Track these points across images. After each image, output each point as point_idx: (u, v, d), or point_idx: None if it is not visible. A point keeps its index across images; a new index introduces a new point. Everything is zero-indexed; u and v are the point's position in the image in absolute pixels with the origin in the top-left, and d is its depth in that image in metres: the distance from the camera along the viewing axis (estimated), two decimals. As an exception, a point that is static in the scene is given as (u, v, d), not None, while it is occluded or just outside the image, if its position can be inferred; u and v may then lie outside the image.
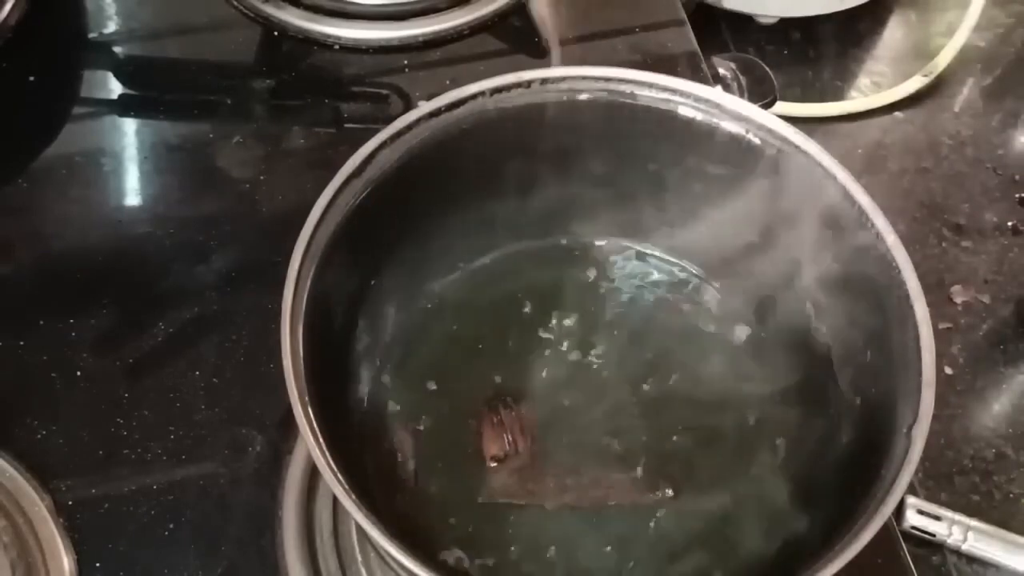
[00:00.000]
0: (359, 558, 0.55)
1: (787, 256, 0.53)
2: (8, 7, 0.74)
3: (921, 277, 0.47)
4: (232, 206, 0.68)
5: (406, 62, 0.77)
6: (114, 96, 0.75)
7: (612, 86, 0.54)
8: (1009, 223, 0.75)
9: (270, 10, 0.78)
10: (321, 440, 0.43)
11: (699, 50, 0.75)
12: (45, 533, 0.54)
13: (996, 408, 0.66)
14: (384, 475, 0.53)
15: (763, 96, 0.67)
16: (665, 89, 0.54)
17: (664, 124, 0.54)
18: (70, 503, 0.55)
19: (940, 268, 0.72)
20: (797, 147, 0.52)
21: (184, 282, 0.64)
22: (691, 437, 0.53)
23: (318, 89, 0.76)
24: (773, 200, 0.53)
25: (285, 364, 0.44)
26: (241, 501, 0.56)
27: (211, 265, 0.65)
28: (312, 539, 0.55)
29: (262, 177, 0.70)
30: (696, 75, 0.73)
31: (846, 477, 0.48)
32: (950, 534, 0.50)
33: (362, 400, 0.54)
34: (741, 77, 0.69)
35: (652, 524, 0.51)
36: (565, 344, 0.57)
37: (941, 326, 0.69)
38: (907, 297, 0.47)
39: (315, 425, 0.43)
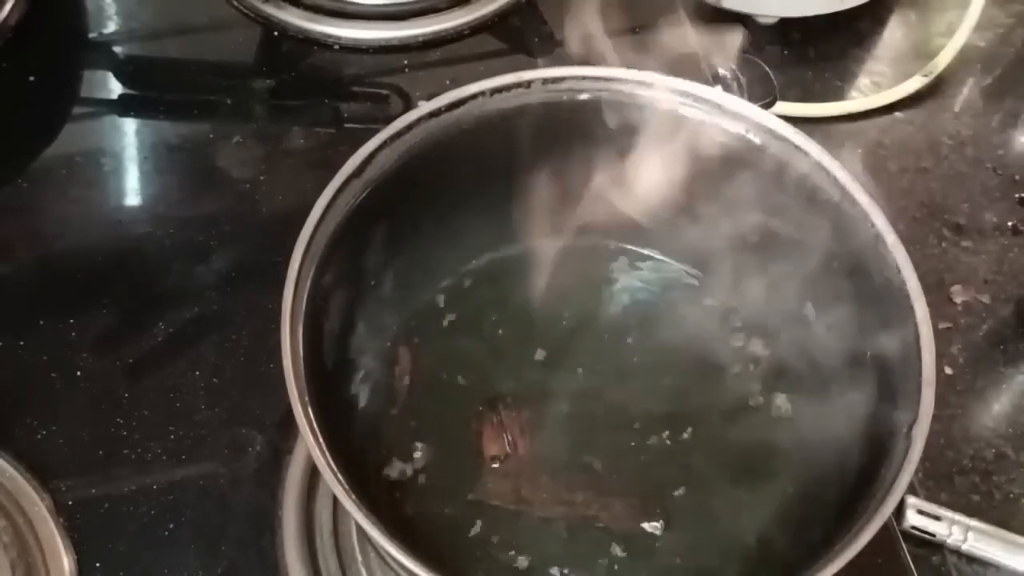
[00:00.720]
0: (359, 558, 0.55)
1: (787, 256, 0.53)
2: (8, 7, 0.74)
3: (921, 277, 0.47)
4: (232, 206, 0.68)
5: (406, 62, 0.77)
6: (114, 96, 0.75)
7: (612, 86, 0.54)
8: (1009, 223, 0.75)
9: (270, 10, 0.78)
10: (321, 440, 0.43)
11: (699, 50, 0.75)
12: (45, 533, 0.54)
13: (996, 408, 0.66)
14: (384, 475, 0.53)
15: (763, 96, 0.67)
16: (665, 89, 0.54)
17: (664, 124, 0.54)
18: (70, 503, 0.55)
19: (940, 268, 0.72)
20: (797, 147, 0.52)
21: (184, 282, 0.64)
22: (691, 457, 0.53)
23: (318, 89, 0.76)
24: (773, 200, 0.53)
25: (285, 364, 0.44)
26: (241, 501, 0.56)
27: (211, 265, 0.65)
28: (312, 539, 0.55)
29: (262, 177, 0.70)
30: (696, 75, 0.73)
31: (846, 478, 0.48)
32: (950, 534, 0.50)
33: (362, 400, 0.54)
34: (741, 77, 0.69)
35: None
36: (565, 345, 0.57)
37: (941, 326, 0.69)
38: (907, 297, 0.47)
39: (315, 425, 0.43)
